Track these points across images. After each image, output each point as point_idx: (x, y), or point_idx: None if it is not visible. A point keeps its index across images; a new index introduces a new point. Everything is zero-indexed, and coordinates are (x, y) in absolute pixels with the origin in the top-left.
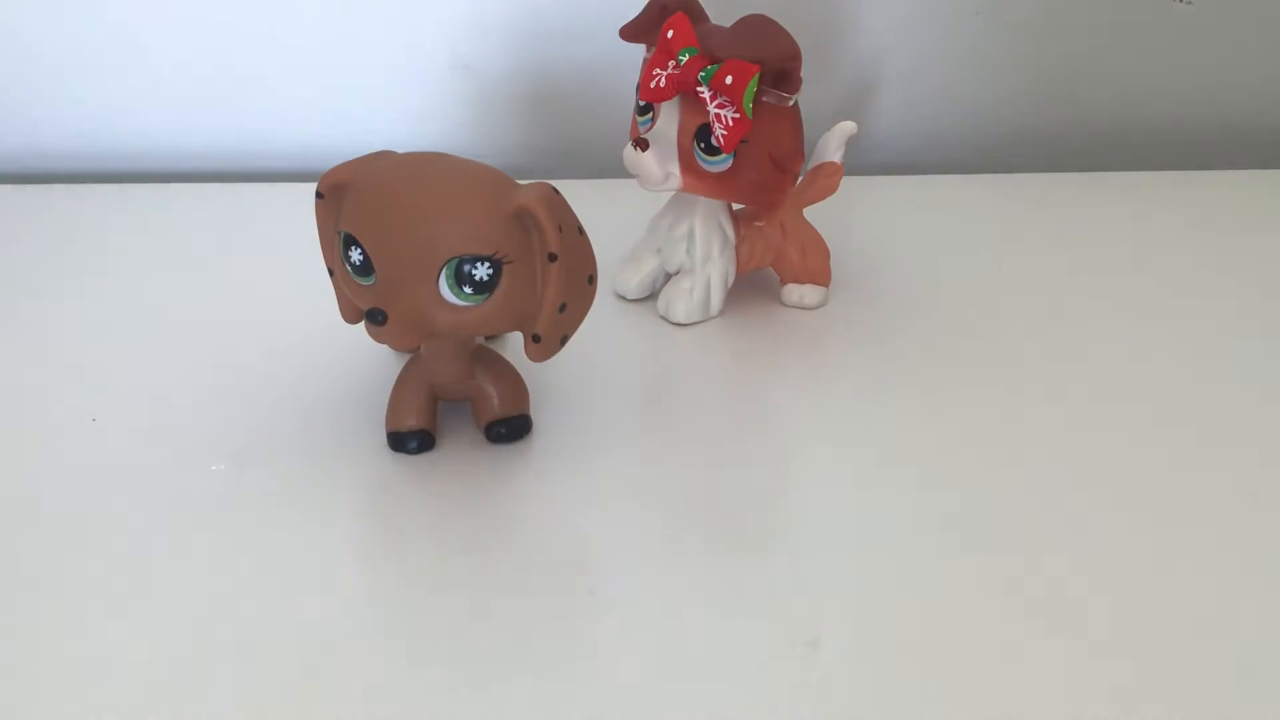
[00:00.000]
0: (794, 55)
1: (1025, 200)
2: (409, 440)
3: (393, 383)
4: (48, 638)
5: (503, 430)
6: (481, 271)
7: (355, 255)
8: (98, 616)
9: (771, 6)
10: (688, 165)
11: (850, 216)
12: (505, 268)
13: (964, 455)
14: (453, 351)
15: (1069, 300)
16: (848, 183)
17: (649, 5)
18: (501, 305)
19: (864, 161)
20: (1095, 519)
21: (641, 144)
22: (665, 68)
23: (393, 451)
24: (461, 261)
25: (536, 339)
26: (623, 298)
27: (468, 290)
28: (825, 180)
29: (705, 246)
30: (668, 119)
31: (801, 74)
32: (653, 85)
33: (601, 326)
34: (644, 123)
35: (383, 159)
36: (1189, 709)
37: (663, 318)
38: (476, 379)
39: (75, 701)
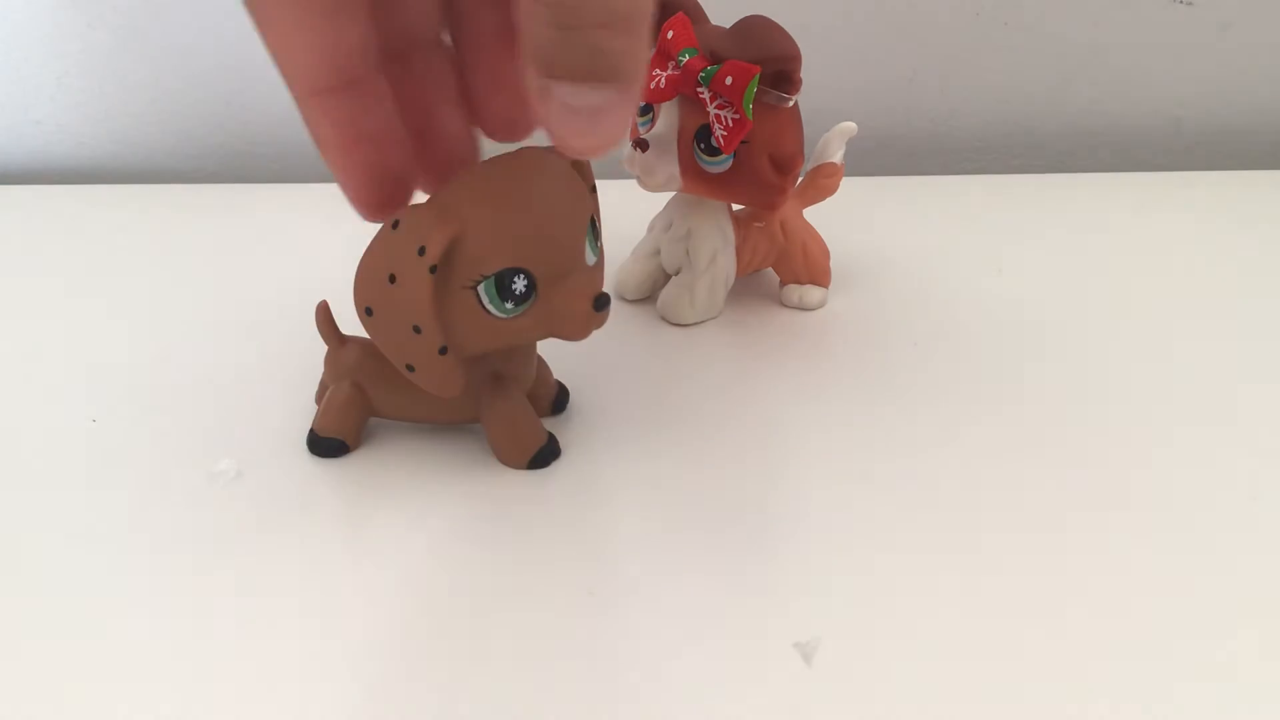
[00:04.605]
0: (794, 56)
1: (1025, 200)
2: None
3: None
4: (48, 638)
5: (566, 396)
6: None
7: (520, 284)
8: (98, 617)
9: (771, 7)
10: (688, 166)
11: (850, 216)
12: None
13: (964, 456)
14: (534, 354)
15: (1069, 300)
16: (848, 183)
17: None
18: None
19: (864, 161)
20: (1097, 519)
21: (641, 145)
22: (665, 68)
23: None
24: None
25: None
26: (623, 298)
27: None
28: (825, 180)
29: (705, 246)
30: (667, 120)
31: (801, 75)
32: (652, 86)
33: (601, 326)
34: (644, 123)
35: (460, 188)
36: (1189, 709)
37: (663, 318)
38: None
39: (76, 701)
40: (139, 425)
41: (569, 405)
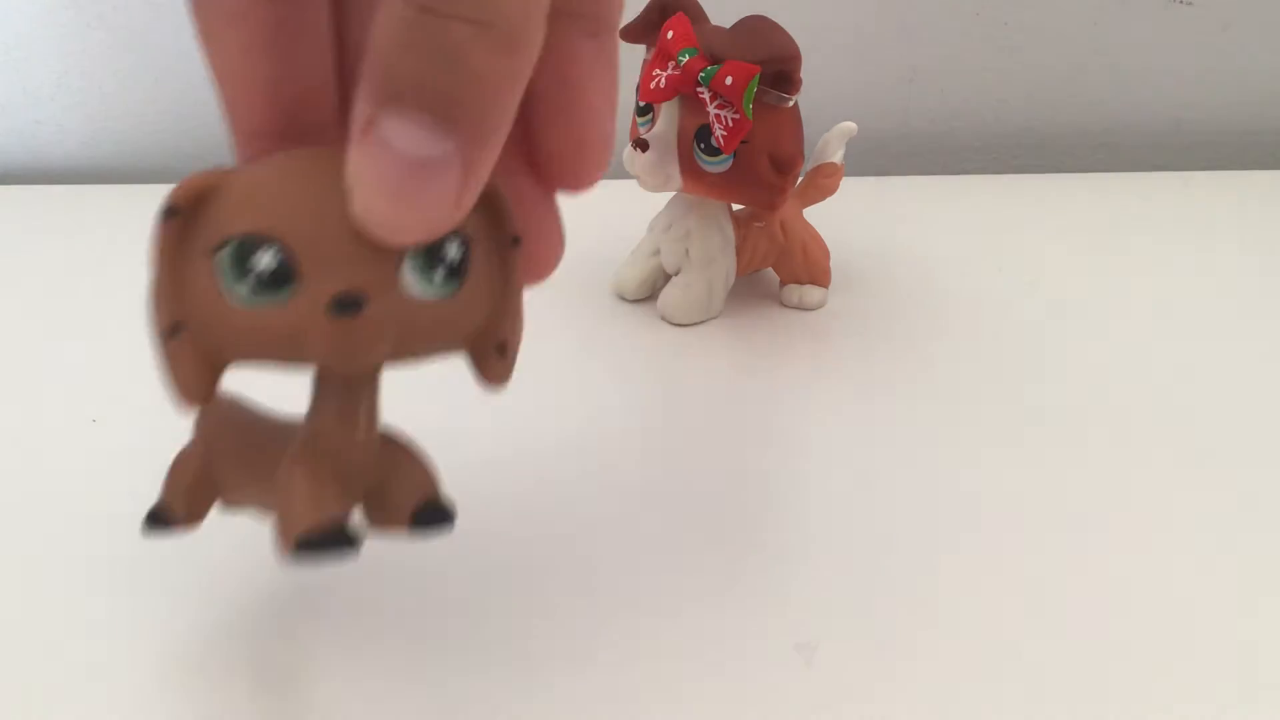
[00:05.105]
0: (794, 56)
1: (1025, 200)
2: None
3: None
4: (47, 639)
5: (435, 513)
6: (453, 250)
7: (265, 260)
8: (98, 617)
9: (771, 7)
10: (687, 166)
11: (850, 216)
12: (473, 248)
13: (965, 456)
14: (370, 402)
15: (1069, 301)
16: (848, 183)
17: (649, 6)
18: (473, 298)
19: (864, 161)
20: (1099, 519)
21: (641, 145)
22: (665, 68)
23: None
24: (430, 245)
25: (503, 350)
26: (623, 298)
27: (439, 277)
28: (825, 180)
29: (705, 247)
30: (667, 120)
31: (801, 75)
32: (652, 86)
33: (601, 326)
34: (644, 124)
35: (263, 160)
36: (1189, 711)
37: (663, 318)
38: (390, 447)
39: (76, 702)
40: (139, 425)
41: (450, 528)
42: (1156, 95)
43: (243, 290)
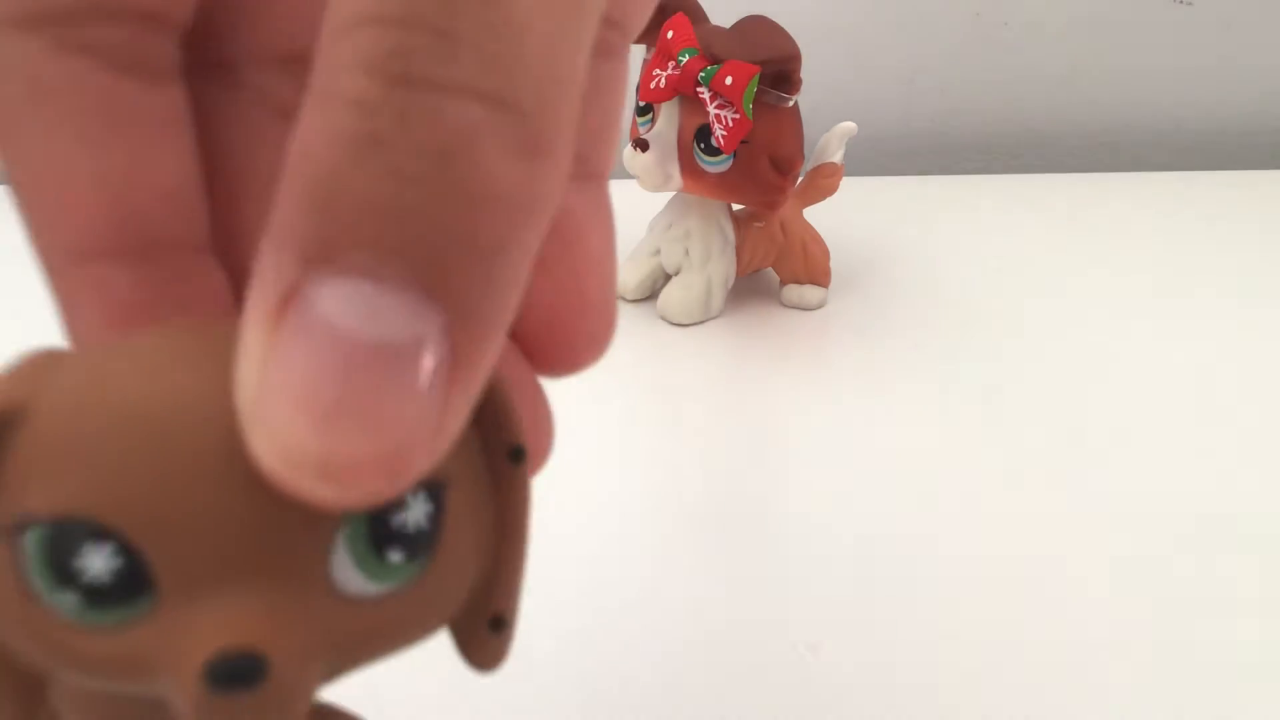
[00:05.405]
0: (794, 56)
1: (1025, 200)
2: None
3: None
4: None
5: None
6: (416, 513)
7: (97, 564)
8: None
9: (771, 7)
10: (688, 166)
11: (850, 216)
12: (448, 495)
13: (965, 455)
14: None
15: (1070, 301)
16: (848, 183)
17: None
18: (450, 573)
19: (864, 161)
20: (1099, 519)
21: (641, 145)
22: (665, 68)
23: None
24: (379, 510)
25: (499, 625)
26: (622, 298)
27: (394, 559)
28: (825, 180)
29: (705, 247)
30: (667, 120)
31: (801, 75)
32: (652, 86)
33: None
34: (644, 124)
35: (92, 352)
36: (1190, 711)
37: (663, 318)
38: None
39: None
40: None
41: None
42: (1156, 95)
43: (66, 603)
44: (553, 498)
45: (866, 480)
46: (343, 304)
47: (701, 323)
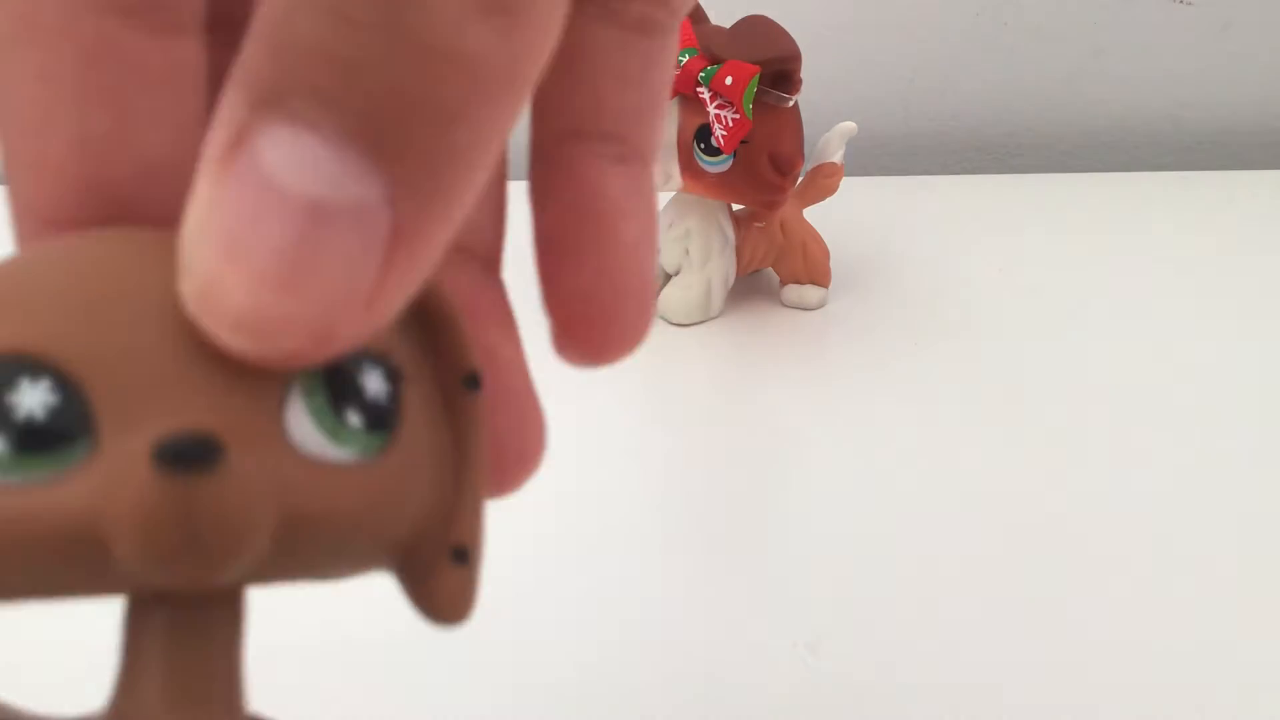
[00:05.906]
0: (794, 56)
1: (1025, 200)
2: None
3: None
4: (48, 638)
5: None
6: (374, 383)
7: (31, 398)
8: (98, 616)
9: (771, 7)
10: (687, 166)
11: (850, 216)
12: (406, 389)
13: (965, 456)
14: (227, 659)
15: (1069, 301)
16: (848, 183)
17: None
18: (410, 466)
19: (864, 161)
20: (1098, 520)
21: None
22: None
23: None
24: (338, 368)
25: (462, 556)
26: None
27: (353, 422)
28: (825, 180)
29: (705, 247)
30: (667, 120)
31: (801, 75)
32: None
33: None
34: None
35: (46, 242)
36: (1190, 711)
37: (662, 318)
38: None
39: (77, 704)
40: None
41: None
42: (1156, 95)
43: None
44: (553, 497)
45: (866, 480)
46: (284, 154)
47: (701, 323)
